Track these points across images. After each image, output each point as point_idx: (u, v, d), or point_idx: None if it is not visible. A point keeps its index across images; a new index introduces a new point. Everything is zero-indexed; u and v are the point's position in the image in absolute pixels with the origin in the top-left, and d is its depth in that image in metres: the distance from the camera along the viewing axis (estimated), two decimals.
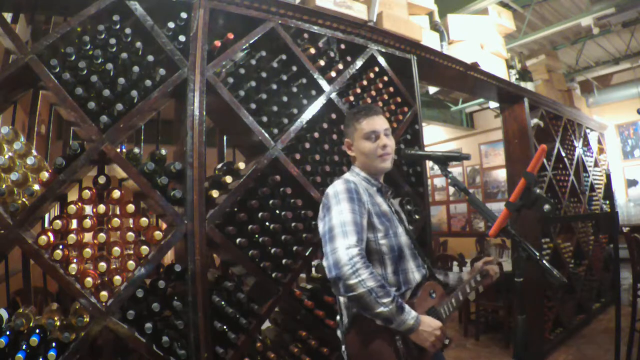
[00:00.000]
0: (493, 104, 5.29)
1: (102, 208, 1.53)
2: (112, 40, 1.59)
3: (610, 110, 5.84)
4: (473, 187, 6.97)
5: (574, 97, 4.66)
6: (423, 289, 1.33)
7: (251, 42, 1.92)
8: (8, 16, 1.61)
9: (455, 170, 7.13)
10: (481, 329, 4.02)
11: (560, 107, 4.15)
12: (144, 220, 1.59)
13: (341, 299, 1.31)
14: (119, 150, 1.60)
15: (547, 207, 1.06)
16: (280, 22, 2.00)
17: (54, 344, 1.34)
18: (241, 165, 1.82)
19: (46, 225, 1.81)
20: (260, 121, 1.87)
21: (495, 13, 3.51)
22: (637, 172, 5.71)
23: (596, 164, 4.96)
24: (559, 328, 3.68)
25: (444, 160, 1.36)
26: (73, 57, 1.51)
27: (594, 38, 5.04)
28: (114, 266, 1.52)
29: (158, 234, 1.60)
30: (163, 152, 1.68)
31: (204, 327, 1.58)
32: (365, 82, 2.32)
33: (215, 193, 1.68)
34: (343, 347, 1.30)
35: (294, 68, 2.03)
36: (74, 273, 1.42)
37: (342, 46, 2.27)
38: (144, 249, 1.53)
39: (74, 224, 1.54)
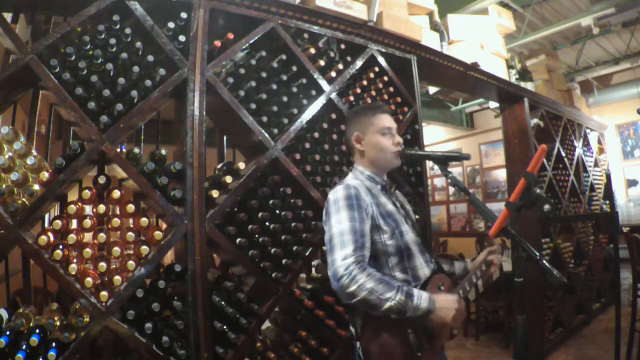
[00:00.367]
0: (493, 104, 5.29)
1: (102, 208, 1.53)
2: (112, 40, 1.59)
3: (610, 110, 5.84)
4: (473, 187, 6.97)
5: (574, 97, 4.66)
6: (432, 283, 1.34)
7: (251, 42, 1.92)
8: (8, 16, 1.61)
9: (455, 170, 7.13)
10: (481, 329, 4.02)
11: (560, 107, 4.15)
12: (144, 220, 1.59)
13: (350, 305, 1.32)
14: (119, 150, 1.60)
15: (547, 207, 1.06)
16: (280, 22, 2.00)
17: (54, 344, 1.34)
18: (241, 165, 1.82)
19: (46, 225, 1.81)
20: (260, 121, 1.87)
21: (495, 13, 3.51)
22: (637, 172, 5.71)
23: (596, 164, 4.96)
24: (559, 328, 3.68)
25: (444, 160, 1.36)
26: (73, 57, 1.51)
27: (594, 38, 5.04)
28: (114, 266, 1.52)
29: (158, 234, 1.60)
30: (163, 152, 1.68)
31: (204, 327, 1.58)
32: (365, 82, 2.32)
33: (215, 193, 1.68)
34: (358, 345, 1.30)
35: (294, 68, 2.03)
36: (74, 273, 1.42)
37: (342, 46, 2.27)
38: (144, 249, 1.53)
39: (74, 224, 1.54)
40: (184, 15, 1.74)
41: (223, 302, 1.64)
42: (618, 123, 5.87)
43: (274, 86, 1.92)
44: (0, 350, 1.27)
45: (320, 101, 2.07)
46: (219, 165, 1.99)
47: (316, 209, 1.92)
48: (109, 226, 1.55)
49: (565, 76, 5.41)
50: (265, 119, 1.88)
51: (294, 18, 2.05)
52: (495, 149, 6.66)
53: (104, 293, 1.44)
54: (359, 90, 2.28)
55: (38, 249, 1.38)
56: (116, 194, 1.59)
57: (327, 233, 1.27)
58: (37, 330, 1.34)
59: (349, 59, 2.28)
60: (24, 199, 1.44)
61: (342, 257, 1.18)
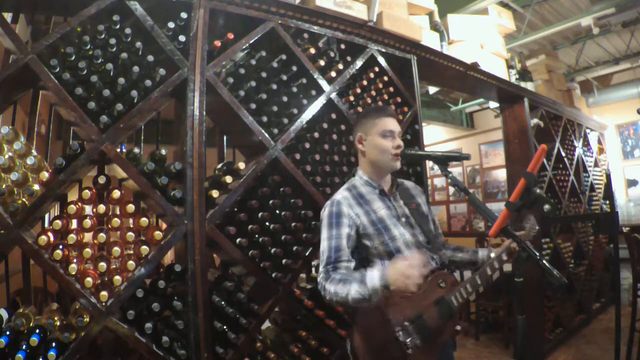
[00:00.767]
0: (493, 104, 5.29)
1: (102, 208, 1.53)
2: (112, 40, 1.59)
3: (610, 110, 5.84)
4: (473, 187, 6.96)
5: (574, 97, 4.66)
6: (430, 280, 1.36)
7: (251, 42, 1.92)
8: (8, 16, 1.61)
9: (455, 170, 7.13)
10: (481, 329, 4.02)
11: (560, 107, 4.15)
12: (144, 220, 1.59)
13: None
14: (119, 150, 1.60)
15: (547, 207, 1.06)
16: (280, 22, 2.00)
17: (54, 344, 1.34)
18: (241, 165, 1.82)
19: (46, 225, 1.81)
20: (260, 121, 1.87)
21: (495, 13, 3.50)
22: (637, 172, 5.71)
23: (596, 164, 4.96)
24: (559, 328, 3.68)
25: (444, 160, 1.36)
26: (73, 57, 1.51)
27: (594, 38, 5.03)
28: (114, 266, 1.52)
29: (158, 234, 1.60)
30: (163, 152, 1.68)
31: (204, 327, 1.58)
32: (365, 82, 2.32)
33: (215, 193, 1.68)
34: (349, 347, 1.34)
35: (294, 68, 2.03)
36: (74, 273, 1.42)
37: (342, 46, 2.27)
38: (144, 249, 1.53)
39: (74, 224, 1.54)
40: (184, 15, 1.74)
41: (223, 302, 1.64)
42: (618, 123, 5.87)
43: (274, 86, 1.92)
44: (0, 350, 1.27)
45: (320, 101, 2.07)
46: (219, 165, 1.99)
47: (316, 209, 1.92)
48: (109, 226, 1.55)
49: (565, 76, 5.40)
50: (265, 119, 1.88)
51: (294, 18, 2.05)
52: (495, 149, 6.65)
53: (104, 293, 1.44)
54: (359, 90, 2.28)
55: (38, 249, 1.38)
56: (116, 194, 1.59)
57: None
58: (37, 330, 1.34)
59: (349, 59, 2.28)
60: (24, 199, 1.44)
61: (320, 274, 1.34)
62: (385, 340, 1.28)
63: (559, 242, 3.76)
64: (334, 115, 2.13)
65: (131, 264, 1.51)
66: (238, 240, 1.71)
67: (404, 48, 2.52)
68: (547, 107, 3.90)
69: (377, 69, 2.39)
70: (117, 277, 1.47)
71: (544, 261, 1.08)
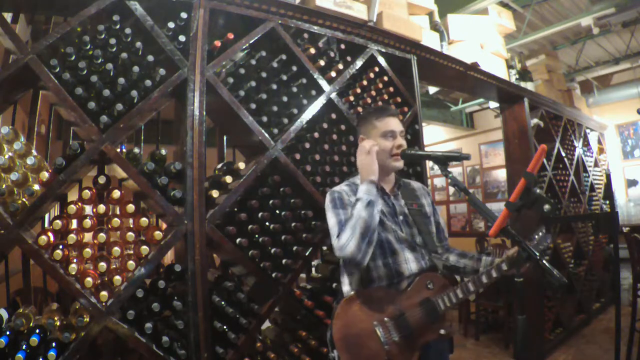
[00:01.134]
0: (493, 104, 5.29)
1: (102, 208, 1.53)
2: (112, 40, 1.59)
3: (610, 110, 5.84)
4: (473, 187, 6.96)
5: (574, 97, 4.66)
6: (418, 281, 1.37)
7: (251, 42, 1.91)
8: (8, 16, 1.61)
9: (455, 170, 7.13)
10: (481, 329, 4.02)
11: (560, 107, 4.15)
12: (144, 220, 1.59)
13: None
14: (119, 150, 1.60)
15: (547, 207, 1.06)
16: (280, 22, 2.00)
17: (54, 344, 1.34)
18: (241, 165, 1.82)
19: (46, 225, 1.82)
20: (260, 121, 1.87)
21: (495, 13, 3.50)
22: (637, 172, 5.71)
23: (596, 164, 4.96)
24: (559, 328, 3.68)
25: (444, 160, 1.36)
26: (73, 57, 1.51)
27: (594, 38, 5.04)
28: (114, 266, 1.52)
29: (158, 234, 1.60)
30: (163, 152, 1.68)
31: (204, 327, 1.58)
32: (365, 82, 2.32)
33: (215, 193, 1.68)
34: (328, 334, 1.37)
35: (294, 68, 2.03)
36: (74, 273, 1.42)
37: (342, 46, 2.27)
38: (144, 249, 1.53)
39: (74, 224, 1.54)
40: (184, 15, 1.74)
41: (223, 302, 1.64)
42: (618, 123, 5.87)
43: (274, 86, 1.92)
44: (0, 350, 1.27)
45: (320, 101, 2.07)
46: (219, 165, 1.99)
47: (316, 209, 1.92)
48: (109, 226, 1.55)
49: (565, 76, 5.40)
50: (265, 119, 1.88)
51: (294, 18, 2.05)
52: (495, 149, 6.65)
53: (104, 293, 1.44)
54: (359, 90, 2.28)
55: (38, 249, 1.38)
56: (116, 194, 1.59)
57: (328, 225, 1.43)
58: (37, 330, 1.34)
59: (349, 59, 2.28)
60: (24, 199, 1.44)
61: (334, 243, 1.32)
62: (363, 333, 1.30)
63: (559, 242, 3.76)
64: (334, 115, 2.13)
65: (131, 264, 1.51)
66: (238, 240, 1.71)
67: (404, 48, 2.52)
68: (547, 107, 3.90)
69: (377, 69, 2.39)
70: (117, 277, 1.47)
71: (544, 261, 1.08)
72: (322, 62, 2.14)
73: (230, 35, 1.86)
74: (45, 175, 1.45)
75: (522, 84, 3.62)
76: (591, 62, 5.83)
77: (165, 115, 1.99)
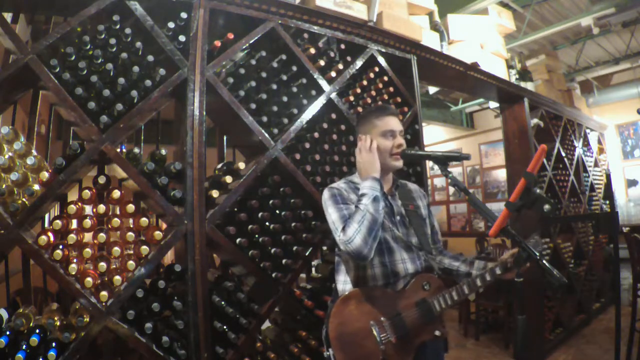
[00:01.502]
0: (493, 104, 5.29)
1: (102, 208, 1.53)
2: (112, 40, 1.59)
3: (610, 110, 5.84)
4: (473, 187, 6.96)
5: (574, 97, 4.66)
6: (414, 281, 1.38)
7: (251, 42, 1.91)
8: (8, 16, 1.61)
9: (455, 170, 7.13)
10: (481, 329, 4.02)
11: (560, 107, 4.15)
12: (144, 220, 1.59)
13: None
14: (119, 150, 1.60)
15: (547, 207, 1.06)
16: (280, 22, 2.00)
17: (54, 344, 1.34)
18: (241, 165, 1.82)
19: (46, 225, 1.82)
20: (260, 121, 1.87)
21: (495, 13, 3.50)
22: (637, 172, 5.71)
23: (596, 164, 4.96)
24: (559, 328, 3.68)
25: (444, 160, 1.36)
26: (73, 57, 1.51)
27: (594, 38, 5.04)
28: (114, 266, 1.52)
29: (158, 234, 1.60)
30: (163, 152, 1.68)
31: (204, 327, 1.58)
32: (365, 82, 2.32)
33: (215, 193, 1.68)
34: (324, 332, 1.36)
35: (294, 68, 2.03)
36: (74, 273, 1.42)
37: (342, 46, 2.27)
38: (144, 249, 1.53)
39: (74, 224, 1.54)
40: (184, 15, 1.74)
41: (223, 302, 1.64)
42: (618, 123, 5.87)
43: (274, 86, 1.92)
44: (0, 350, 1.27)
45: (320, 101, 2.07)
46: (219, 165, 1.99)
47: (316, 209, 1.92)
48: (109, 226, 1.55)
49: (565, 76, 5.40)
50: (265, 119, 1.88)
51: (294, 18, 2.05)
52: (495, 149, 6.65)
53: (104, 293, 1.44)
54: (359, 90, 2.28)
55: (38, 249, 1.38)
56: (116, 194, 1.59)
57: (328, 220, 1.41)
58: (37, 330, 1.34)
59: (349, 59, 2.28)
60: (24, 199, 1.44)
61: (338, 238, 1.30)
62: (359, 332, 1.30)
63: (559, 242, 3.76)
64: (334, 115, 2.13)
65: (131, 264, 1.51)
66: (238, 240, 1.71)
67: (404, 48, 2.52)
68: (547, 107, 3.90)
69: (377, 69, 2.39)
70: (117, 277, 1.47)
71: (544, 261, 1.08)
72: (322, 62, 2.14)
73: (230, 35, 1.86)
74: (45, 175, 1.45)
75: (522, 84, 3.62)
76: (591, 62, 5.83)
77: (165, 115, 1.99)
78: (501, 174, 6.49)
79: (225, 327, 1.64)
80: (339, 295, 1.39)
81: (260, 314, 1.76)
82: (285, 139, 1.92)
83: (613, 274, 3.37)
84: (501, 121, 3.80)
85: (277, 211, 1.86)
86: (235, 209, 1.78)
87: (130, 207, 1.57)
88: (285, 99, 1.98)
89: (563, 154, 4.12)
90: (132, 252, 1.58)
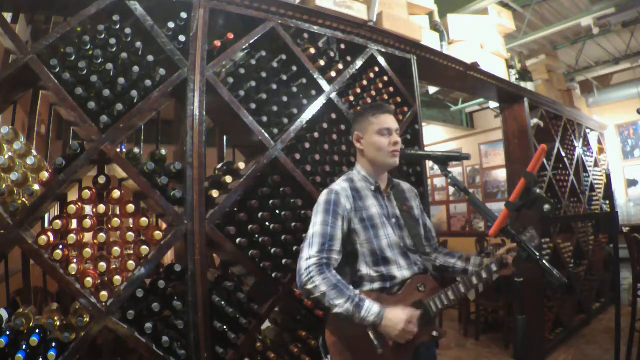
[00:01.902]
0: (493, 104, 5.29)
1: (102, 208, 1.53)
2: (112, 40, 1.59)
3: (610, 110, 5.84)
4: (473, 187, 6.96)
5: (574, 97, 4.66)
6: (409, 283, 1.37)
7: (251, 42, 1.91)
8: (8, 16, 1.61)
9: (455, 170, 7.13)
10: (481, 329, 4.02)
11: (560, 107, 4.15)
12: (144, 220, 1.59)
13: None
14: (119, 150, 1.60)
15: (547, 207, 1.06)
16: (280, 22, 2.00)
17: (54, 344, 1.34)
18: (241, 165, 1.82)
19: (46, 225, 1.82)
20: (260, 121, 1.87)
21: (495, 13, 3.50)
22: (637, 172, 5.71)
23: (596, 164, 4.96)
24: (559, 328, 3.68)
25: (444, 160, 1.36)
26: (73, 57, 1.51)
27: (594, 38, 5.03)
28: (114, 266, 1.52)
29: (158, 234, 1.60)
30: (163, 152, 1.68)
31: (204, 327, 1.58)
32: (365, 82, 2.32)
33: (215, 193, 1.68)
34: (321, 340, 1.37)
35: (294, 68, 2.03)
36: (74, 273, 1.42)
37: (342, 46, 2.27)
38: (144, 249, 1.53)
39: (74, 224, 1.54)
40: (184, 15, 1.74)
41: (223, 302, 1.64)
42: (618, 123, 5.87)
43: (274, 86, 1.92)
44: (0, 350, 1.27)
45: (320, 101, 2.07)
46: (219, 165, 1.99)
47: None
48: (109, 226, 1.55)
49: (565, 76, 5.40)
50: (265, 119, 1.88)
51: (294, 18, 2.05)
52: (495, 149, 6.65)
53: (104, 293, 1.44)
54: (359, 90, 2.28)
55: (38, 249, 1.38)
56: (116, 194, 1.59)
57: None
58: (37, 330, 1.34)
59: (349, 59, 2.28)
60: (24, 199, 1.44)
61: (306, 257, 1.28)
62: (356, 337, 1.29)
63: (559, 242, 3.76)
64: (334, 115, 2.13)
65: (131, 264, 1.51)
66: (238, 240, 1.71)
67: (404, 48, 2.52)
68: (547, 107, 3.90)
69: (377, 69, 2.39)
70: (117, 277, 1.47)
71: (544, 261, 1.08)
72: (322, 62, 2.14)
73: (230, 35, 1.86)
74: (45, 175, 1.45)
75: (522, 84, 3.62)
76: (591, 62, 5.83)
77: (165, 115, 1.99)
78: (501, 174, 6.49)
79: (225, 327, 1.64)
80: None
81: (260, 314, 1.76)
82: (285, 139, 1.92)
83: (613, 274, 3.37)
84: (501, 121, 3.80)
85: (277, 211, 1.86)
86: (235, 209, 1.78)
87: (130, 207, 1.57)
88: (285, 99, 1.98)
89: (563, 154, 4.12)
90: (132, 252, 1.58)
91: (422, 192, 2.45)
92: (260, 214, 1.80)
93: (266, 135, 1.87)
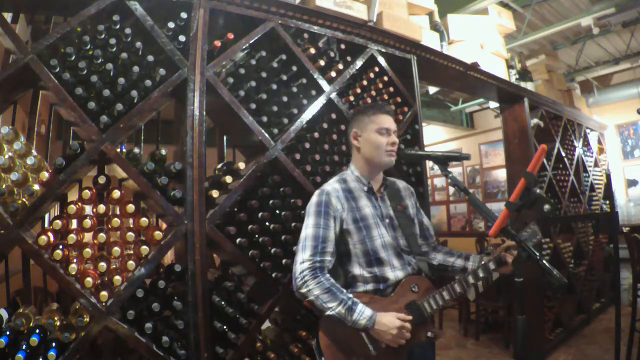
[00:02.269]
0: (493, 104, 5.29)
1: (102, 208, 1.53)
2: (112, 40, 1.59)
3: (610, 110, 5.84)
4: (473, 187, 6.96)
5: (574, 97, 4.66)
6: (403, 284, 1.37)
7: (251, 42, 1.91)
8: (8, 16, 1.61)
9: (455, 170, 7.13)
10: (481, 329, 4.02)
11: (560, 107, 4.15)
12: (144, 220, 1.59)
13: None
14: (119, 150, 1.60)
15: (547, 207, 1.06)
16: (280, 22, 2.00)
17: (54, 344, 1.34)
18: (241, 165, 1.82)
19: (46, 225, 1.82)
20: (260, 121, 1.87)
21: (495, 13, 3.50)
22: (637, 172, 5.71)
23: (596, 164, 4.96)
24: (559, 328, 3.68)
25: (444, 160, 1.36)
26: (73, 57, 1.51)
27: (594, 38, 5.03)
28: (114, 266, 1.52)
29: (158, 234, 1.60)
30: (163, 152, 1.68)
31: (204, 327, 1.58)
32: (365, 82, 2.32)
33: (215, 193, 1.68)
34: (315, 342, 1.38)
35: (294, 68, 2.03)
36: (74, 273, 1.42)
37: (342, 46, 2.27)
38: (144, 249, 1.53)
39: (74, 224, 1.54)
40: (184, 15, 1.74)
41: (223, 302, 1.64)
42: (618, 123, 5.87)
43: (274, 86, 1.92)
44: (0, 350, 1.27)
45: (320, 101, 2.07)
46: (219, 165, 1.99)
47: None
48: (109, 226, 1.55)
49: (565, 76, 5.40)
50: (265, 119, 1.88)
51: (294, 18, 2.05)
52: (495, 149, 6.65)
53: (104, 293, 1.44)
54: (359, 90, 2.28)
55: (38, 249, 1.38)
56: (116, 194, 1.59)
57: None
58: (37, 330, 1.34)
59: (349, 59, 2.28)
60: (24, 199, 1.44)
61: (300, 261, 1.31)
62: (349, 339, 1.30)
63: (559, 242, 3.76)
64: (334, 115, 2.13)
65: (131, 264, 1.51)
66: (238, 240, 1.71)
67: (404, 48, 2.52)
68: (547, 107, 3.90)
69: (377, 69, 2.39)
70: (117, 277, 1.47)
71: (544, 261, 1.08)
72: (322, 62, 2.14)
73: (230, 35, 1.85)
74: (45, 175, 1.45)
75: (522, 84, 3.62)
76: (591, 62, 5.83)
77: (165, 115, 1.99)
78: (501, 174, 6.49)
79: (225, 327, 1.64)
80: None
81: (260, 314, 1.76)
82: (285, 139, 1.92)
83: (613, 274, 3.37)
84: (501, 121, 3.80)
85: (277, 211, 1.86)
86: (235, 209, 1.78)
87: (130, 207, 1.57)
88: (285, 99, 1.98)
89: (563, 154, 4.12)
90: (132, 252, 1.58)
91: (422, 192, 2.45)
92: (260, 214, 1.80)
93: (266, 135, 1.87)
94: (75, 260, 1.43)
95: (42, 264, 1.39)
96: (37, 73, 1.45)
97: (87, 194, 1.54)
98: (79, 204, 1.55)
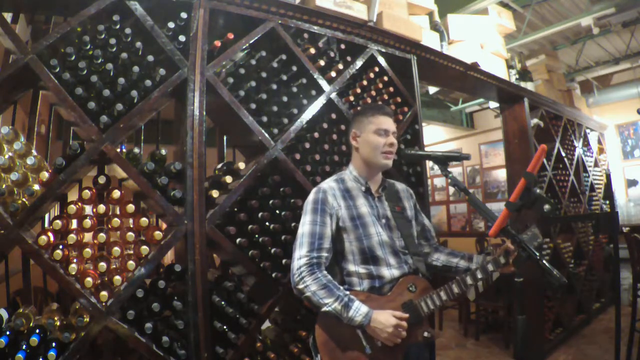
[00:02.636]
0: (493, 104, 5.29)
1: (102, 208, 1.53)
2: (112, 40, 1.59)
3: (610, 110, 5.83)
4: (473, 187, 6.96)
5: (574, 97, 4.65)
6: (400, 283, 1.38)
7: (251, 42, 1.91)
8: (8, 16, 1.61)
9: (455, 170, 7.13)
10: (481, 329, 4.02)
11: (560, 107, 4.15)
12: (144, 220, 1.59)
13: None
14: (119, 150, 1.60)
15: (547, 207, 1.06)
16: (280, 22, 2.00)
17: (54, 344, 1.34)
18: (241, 165, 1.82)
19: (46, 225, 1.81)
20: (260, 121, 1.87)
21: (495, 13, 3.50)
22: (637, 172, 5.71)
23: (596, 164, 4.96)
24: (559, 328, 3.68)
25: (444, 160, 1.36)
26: (73, 57, 1.51)
27: (594, 38, 5.03)
28: (114, 266, 1.52)
29: (158, 234, 1.60)
30: (163, 152, 1.68)
31: (204, 327, 1.58)
32: (365, 82, 2.32)
33: (215, 193, 1.68)
34: (311, 339, 1.38)
35: (294, 68, 2.03)
36: (74, 273, 1.42)
37: (342, 46, 2.27)
38: (144, 249, 1.53)
39: (74, 224, 1.54)
40: (184, 15, 1.74)
41: (223, 302, 1.64)
42: (618, 123, 5.86)
43: (274, 86, 1.92)
44: (0, 350, 1.27)
45: (320, 101, 2.07)
46: (219, 165, 1.99)
47: None
48: (109, 226, 1.55)
49: (565, 76, 5.40)
50: (265, 119, 1.88)
51: (294, 18, 2.05)
52: (495, 149, 6.65)
53: (104, 293, 1.44)
54: (359, 90, 2.28)
55: (38, 249, 1.38)
56: (116, 194, 1.59)
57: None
58: (37, 330, 1.34)
59: (349, 59, 2.28)
60: (24, 199, 1.44)
61: (297, 257, 1.35)
62: (345, 337, 1.30)
63: (559, 242, 3.76)
64: (334, 115, 2.13)
65: (131, 264, 1.51)
66: (238, 240, 1.71)
67: (404, 48, 2.52)
68: (547, 107, 3.90)
69: (377, 69, 2.39)
70: (117, 277, 1.47)
71: (544, 261, 1.08)
72: (322, 62, 2.14)
73: (230, 35, 1.85)
74: (45, 175, 1.45)
75: (522, 84, 3.62)
76: (591, 62, 5.83)
77: (165, 115, 1.99)
78: (501, 174, 6.49)
79: (225, 327, 1.64)
80: None
81: (260, 314, 1.76)
82: (285, 139, 1.92)
83: (613, 274, 3.37)
84: (501, 121, 3.80)
85: (277, 211, 1.86)
86: (235, 209, 1.78)
87: (130, 207, 1.57)
88: (285, 99, 1.98)
89: (563, 154, 4.12)
90: (132, 252, 1.58)
91: (422, 192, 2.46)
92: (260, 214, 1.80)
93: (266, 135, 1.87)
94: (75, 260, 1.43)
95: (42, 264, 1.39)
96: (37, 73, 1.45)
97: (87, 194, 1.54)
98: (79, 204, 1.55)
